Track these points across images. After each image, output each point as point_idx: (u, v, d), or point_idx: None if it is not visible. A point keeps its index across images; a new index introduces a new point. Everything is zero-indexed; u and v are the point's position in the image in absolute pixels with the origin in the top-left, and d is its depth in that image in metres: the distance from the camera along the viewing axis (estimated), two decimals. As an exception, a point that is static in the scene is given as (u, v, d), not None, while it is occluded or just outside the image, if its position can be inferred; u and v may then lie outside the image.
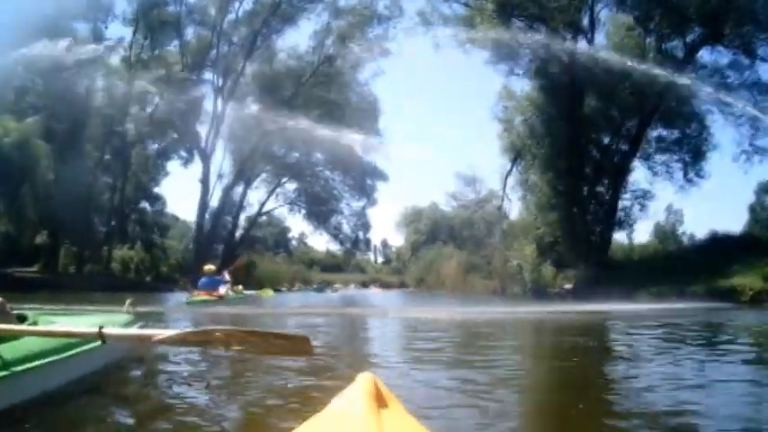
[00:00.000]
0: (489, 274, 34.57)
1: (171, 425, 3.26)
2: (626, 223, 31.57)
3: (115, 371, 4.65)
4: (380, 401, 1.13)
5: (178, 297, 21.79)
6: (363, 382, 1.17)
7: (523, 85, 32.57)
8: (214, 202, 39.92)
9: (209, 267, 18.40)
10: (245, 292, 22.72)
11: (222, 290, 17.53)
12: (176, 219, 49.11)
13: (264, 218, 61.97)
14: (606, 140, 30.42)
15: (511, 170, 33.03)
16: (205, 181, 38.12)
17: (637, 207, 31.87)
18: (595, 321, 13.02)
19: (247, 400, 3.88)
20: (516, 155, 32.08)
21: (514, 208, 36.03)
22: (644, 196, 31.73)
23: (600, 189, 30.13)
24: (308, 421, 1.19)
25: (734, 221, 75.92)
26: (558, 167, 28.60)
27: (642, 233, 51.76)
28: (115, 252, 35.56)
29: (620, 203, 30.70)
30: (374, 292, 53.98)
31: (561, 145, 28.29)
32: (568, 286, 27.28)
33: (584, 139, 28.90)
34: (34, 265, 32.14)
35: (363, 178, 44.42)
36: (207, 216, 39.04)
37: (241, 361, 5.09)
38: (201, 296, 16.53)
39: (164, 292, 30.09)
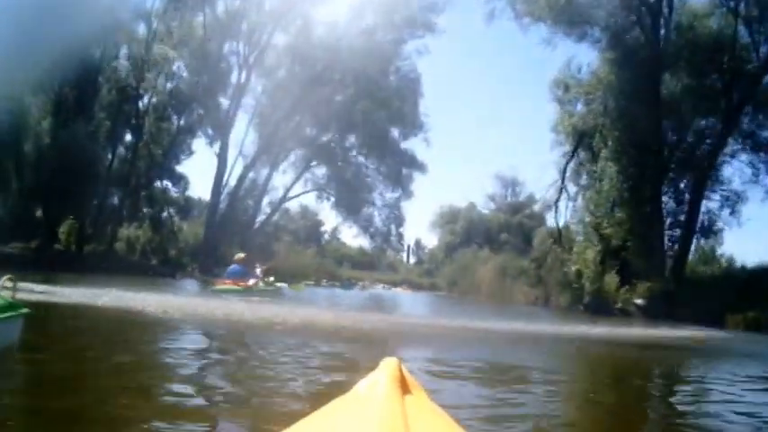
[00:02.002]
0: (539, 280, 28.20)
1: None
2: (710, 230, 24.87)
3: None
4: (404, 387, 1.09)
5: (184, 285, 20.53)
6: (388, 366, 1.14)
7: (592, 59, 26.74)
8: (235, 182, 34.89)
9: (240, 256, 17.49)
10: (278, 284, 20.32)
11: (252, 280, 16.56)
12: (201, 201, 44.08)
13: (297, 209, 57.21)
14: (691, 127, 24.13)
15: (571, 159, 26.73)
16: (222, 155, 32.98)
17: (726, 210, 25.13)
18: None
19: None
20: (578, 141, 25.93)
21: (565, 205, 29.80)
22: (737, 199, 24.85)
23: (681, 185, 23.98)
24: (332, 401, 1.17)
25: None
26: (632, 157, 22.67)
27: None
28: (121, 231, 30.67)
29: (704, 205, 24.47)
30: (402, 293, 48.63)
31: (636, 129, 22.37)
32: (639, 302, 21.22)
33: (664, 123, 22.85)
34: (31, 241, 27.68)
35: (399, 167, 38.45)
36: (223, 197, 33.94)
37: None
38: (228, 285, 15.69)
39: (166, 276, 25.83)
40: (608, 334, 12.05)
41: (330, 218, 62.68)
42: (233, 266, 16.94)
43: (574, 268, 24.10)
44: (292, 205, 51.69)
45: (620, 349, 10.25)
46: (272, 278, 20.13)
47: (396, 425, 0.88)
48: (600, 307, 21.86)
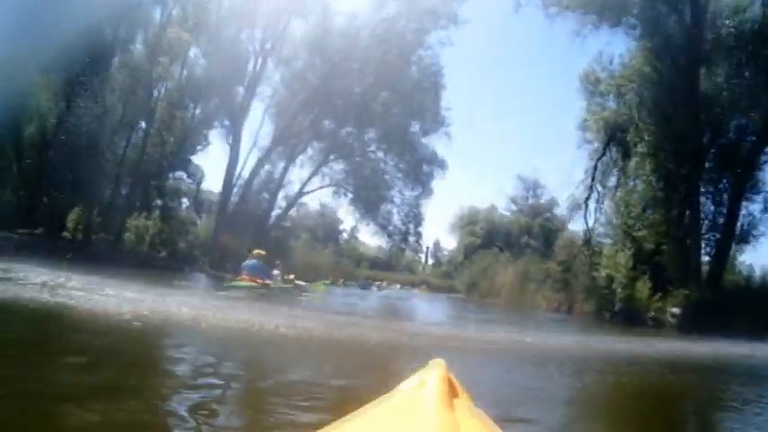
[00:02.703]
0: (564, 285, 25.90)
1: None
2: (750, 235, 22.42)
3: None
4: (452, 389, 1.06)
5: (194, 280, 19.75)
6: (436, 367, 1.11)
7: (624, 50, 24.67)
8: (248, 174, 33.29)
9: (259, 252, 16.54)
10: (298, 282, 19.36)
11: (268, 278, 15.89)
12: (215, 195, 42.52)
13: (316, 207, 55.82)
14: (732, 124, 21.87)
15: (602, 155, 24.46)
16: (235, 146, 31.40)
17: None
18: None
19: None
20: (609, 137, 23.74)
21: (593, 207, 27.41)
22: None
23: (720, 186, 21.70)
24: (378, 399, 1.10)
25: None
26: (668, 154, 20.48)
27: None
28: (130, 222, 29.19)
29: (745, 208, 22.18)
30: (420, 295, 46.93)
31: (673, 125, 20.22)
32: (674, 311, 19.03)
33: (703, 118, 20.67)
34: (38, 228, 26.40)
35: (419, 164, 36.52)
36: (236, 189, 32.34)
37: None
38: (245, 281, 14.85)
39: (174, 270, 24.45)
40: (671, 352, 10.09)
41: (348, 217, 61.00)
42: (251, 261, 15.93)
43: (604, 273, 21.88)
44: (311, 203, 50.05)
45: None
46: (291, 276, 19.19)
47: (448, 425, 0.82)
48: (630, 316, 19.75)
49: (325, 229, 63.12)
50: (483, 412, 1.05)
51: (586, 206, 25.00)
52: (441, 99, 34.91)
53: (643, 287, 20.27)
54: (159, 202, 32.06)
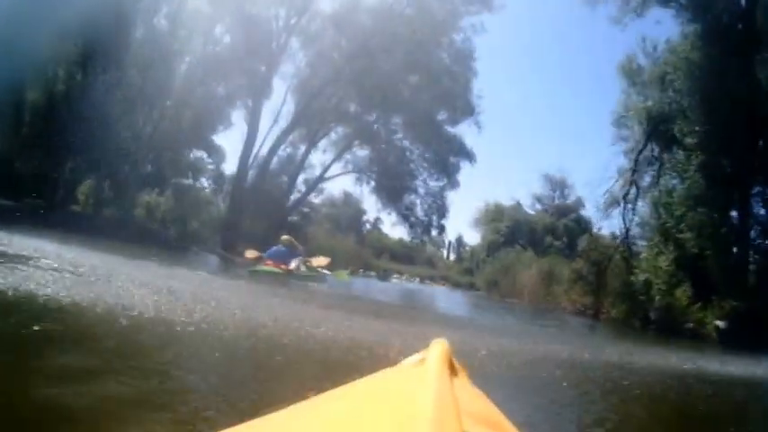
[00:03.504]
0: (597, 288, 23.44)
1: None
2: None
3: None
4: (452, 369, 1.05)
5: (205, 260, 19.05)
6: (438, 346, 1.08)
7: (669, 36, 22.40)
8: (269, 156, 31.66)
9: (287, 238, 16.23)
10: (321, 270, 18.35)
11: (293, 264, 15.23)
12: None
13: (341, 195, 54.77)
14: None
15: (644, 148, 21.99)
16: (254, 123, 29.69)
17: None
18: None
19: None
20: (652, 129, 21.34)
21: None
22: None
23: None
24: (378, 372, 1.12)
25: None
26: (717, 148, 18.16)
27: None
28: (143, 197, 27.75)
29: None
30: (440, 290, 45.32)
31: (724, 116, 17.90)
32: (719, 324, 16.72)
33: (759, 108, 18.28)
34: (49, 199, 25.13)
35: (446, 154, 34.46)
36: (253, 169, 30.68)
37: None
38: (269, 266, 14.70)
39: (182, 249, 23.40)
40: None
41: (372, 207, 59.30)
42: (276, 247, 15.71)
43: (642, 277, 19.57)
44: (335, 190, 48.56)
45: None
46: (315, 263, 18.15)
47: (447, 399, 0.80)
48: (666, 325, 17.53)
49: (349, 218, 61.87)
50: (482, 393, 1.05)
51: (625, 203, 22.54)
52: (471, 86, 32.85)
53: (682, 295, 17.98)
54: (175, 178, 30.55)
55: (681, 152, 20.11)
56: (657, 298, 18.52)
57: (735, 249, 18.44)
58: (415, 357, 1.12)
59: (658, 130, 21.63)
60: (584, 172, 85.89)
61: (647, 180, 22.98)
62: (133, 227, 25.25)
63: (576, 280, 25.08)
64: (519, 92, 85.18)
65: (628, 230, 22.55)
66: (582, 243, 36.33)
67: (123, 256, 10.37)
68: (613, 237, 24.69)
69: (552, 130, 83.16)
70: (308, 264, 17.11)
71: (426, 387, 0.82)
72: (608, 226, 30.14)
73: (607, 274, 22.35)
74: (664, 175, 21.59)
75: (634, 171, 22.14)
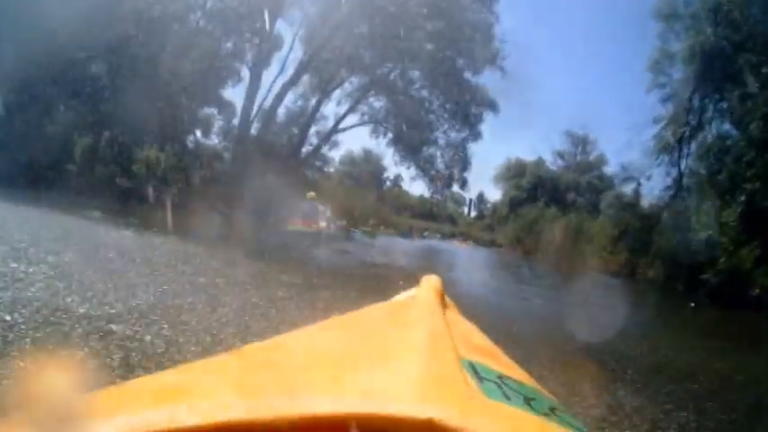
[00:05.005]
0: (642, 246, 20.15)
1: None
2: None
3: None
4: (444, 303, 1.05)
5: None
6: (430, 281, 1.09)
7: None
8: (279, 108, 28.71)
9: (312, 194, 16.20)
10: (349, 228, 18.69)
11: (323, 222, 15.03)
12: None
13: (360, 153, 52.81)
14: None
15: (696, 89, 18.38)
16: (256, 68, 26.65)
17: None
18: None
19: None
20: (705, 67, 17.74)
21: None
22: None
23: None
24: (370, 306, 1.09)
25: None
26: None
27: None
28: (142, 153, 25.06)
29: None
30: (462, 248, 43.22)
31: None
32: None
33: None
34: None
35: (468, 105, 31.08)
36: (256, 119, 27.72)
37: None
38: (299, 225, 14.35)
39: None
40: None
41: (390, 161, 56.39)
42: (304, 206, 15.46)
43: (704, 234, 16.26)
44: (355, 147, 46.30)
45: None
46: (344, 221, 18.33)
47: (440, 328, 0.82)
48: (727, 290, 14.47)
49: (368, 175, 59.91)
50: (474, 325, 1.03)
51: (680, 147, 18.96)
52: (494, 32, 29.19)
53: (748, 256, 14.81)
54: (177, 133, 27.71)
55: (740, 91, 16.62)
56: (722, 259, 15.31)
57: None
58: (408, 293, 1.09)
59: (710, 68, 18.09)
60: (612, 125, 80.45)
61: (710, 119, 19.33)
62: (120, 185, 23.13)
63: (611, 237, 21.89)
64: (541, 40, 79.59)
65: (681, 176, 19.03)
66: (607, 199, 33.67)
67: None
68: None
69: (577, 81, 77.45)
70: (337, 223, 16.86)
71: (418, 317, 0.84)
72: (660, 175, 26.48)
73: (654, 232, 19.10)
74: (716, 119, 18.13)
75: (689, 110, 18.51)
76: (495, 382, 0.72)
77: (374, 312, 1.03)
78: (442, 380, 0.63)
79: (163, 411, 0.54)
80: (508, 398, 0.66)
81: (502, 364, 0.83)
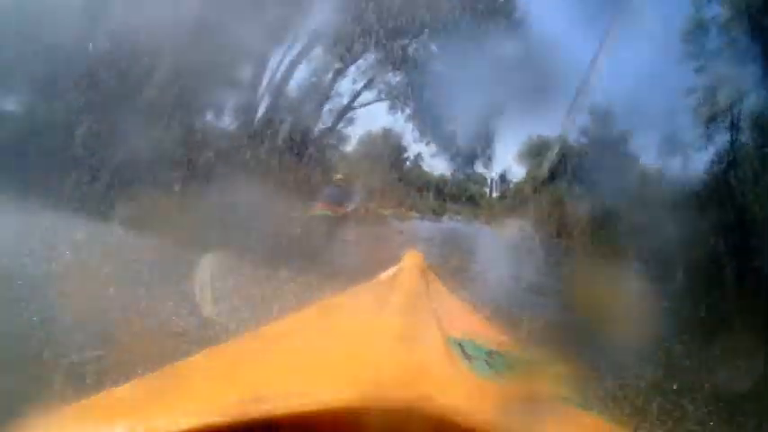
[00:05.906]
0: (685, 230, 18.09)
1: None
2: None
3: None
4: (427, 277, 1.03)
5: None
6: (412, 257, 1.07)
7: None
8: (289, 83, 27.22)
9: (339, 176, 14.96)
10: (380, 210, 18.19)
11: (350, 206, 13.50)
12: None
13: (379, 131, 50.77)
14: None
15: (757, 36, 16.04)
16: (261, 43, 25.03)
17: None
18: None
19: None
20: (755, 23, 15.46)
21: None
22: None
23: None
24: (354, 287, 1.09)
25: None
26: None
27: None
28: (146, 133, 23.96)
29: None
30: (485, 231, 41.57)
31: None
32: None
33: None
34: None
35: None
36: (265, 98, 26.23)
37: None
38: (323, 209, 12.62)
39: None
40: None
41: (409, 137, 55.03)
42: (329, 188, 14.32)
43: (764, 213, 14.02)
44: (374, 127, 44.26)
45: None
46: (372, 204, 17.06)
47: (424, 309, 0.79)
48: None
49: (388, 156, 58.37)
50: (460, 299, 1.00)
51: (731, 114, 16.41)
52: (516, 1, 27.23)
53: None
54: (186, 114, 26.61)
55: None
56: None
57: None
58: (390, 271, 1.06)
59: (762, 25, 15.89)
60: (643, 98, 77.85)
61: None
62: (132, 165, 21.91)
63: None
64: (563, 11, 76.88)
65: (735, 150, 16.45)
66: (640, 175, 31.49)
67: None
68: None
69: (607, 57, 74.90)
70: (365, 205, 15.71)
71: (403, 300, 0.80)
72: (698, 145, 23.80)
73: (705, 209, 16.92)
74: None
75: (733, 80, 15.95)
76: (485, 360, 0.69)
77: (357, 295, 0.99)
78: (427, 364, 0.61)
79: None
80: (500, 374, 0.65)
81: (491, 338, 0.81)
